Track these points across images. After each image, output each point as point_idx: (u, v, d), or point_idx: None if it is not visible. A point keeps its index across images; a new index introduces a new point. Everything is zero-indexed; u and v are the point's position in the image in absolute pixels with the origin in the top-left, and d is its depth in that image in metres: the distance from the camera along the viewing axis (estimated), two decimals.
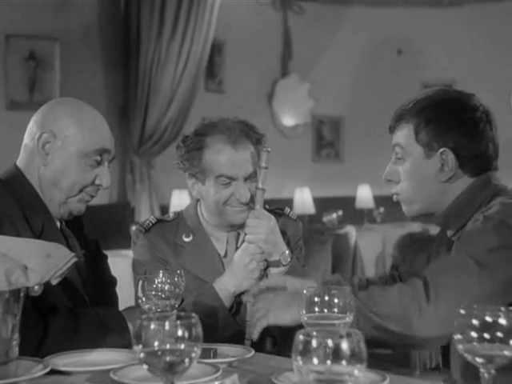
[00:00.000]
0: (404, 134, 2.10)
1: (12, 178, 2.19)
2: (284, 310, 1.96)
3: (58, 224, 2.24)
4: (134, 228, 2.62)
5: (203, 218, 2.55)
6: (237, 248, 2.48)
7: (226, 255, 2.52)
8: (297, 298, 1.85)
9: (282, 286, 2.14)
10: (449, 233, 2.12)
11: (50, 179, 2.18)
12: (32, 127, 2.22)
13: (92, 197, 2.25)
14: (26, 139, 2.24)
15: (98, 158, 2.20)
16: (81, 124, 2.19)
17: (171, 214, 2.60)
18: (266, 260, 2.38)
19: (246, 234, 2.39)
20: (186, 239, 2.52)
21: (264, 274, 2.39)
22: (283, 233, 2.47)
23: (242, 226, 2.46)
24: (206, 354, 1.80)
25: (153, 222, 2.55)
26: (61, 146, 2.17)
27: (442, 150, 2.04)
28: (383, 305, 1.84)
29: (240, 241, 2.51)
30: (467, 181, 2.06)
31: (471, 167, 2.06)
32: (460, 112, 2.08)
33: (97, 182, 2.21)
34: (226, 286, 2.35)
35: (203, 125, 2.49)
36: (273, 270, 2.37)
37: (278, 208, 2.63)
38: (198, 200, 2.56)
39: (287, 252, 2.38)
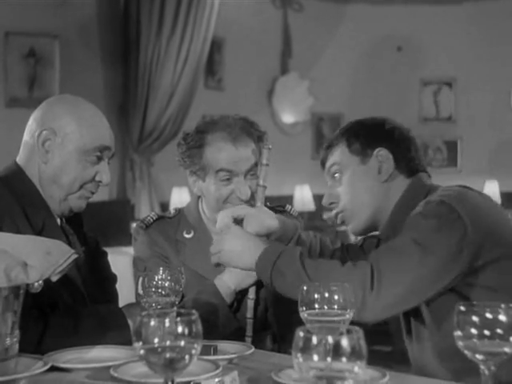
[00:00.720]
0: (337, 153, 2.14)
1: (12, 176, 2.19)
2: (236, 255, 2.02)
3: (59, 221, 2.24)
4: (134, 224, 2.62)
5: (204, 215, 2.54)
6: None
7: None
8: (253, 241, 1.98)
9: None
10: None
11: (50, 176, 2.18)
12: (31, 124, 2.22)
13: (92, 193, 2.25)
14: (26, 136, 2.24)
15: (98, 154, 2.20)
16: (80, 121, 2.19)
17: (172, 211, 2.60)
18: None
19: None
20: (186, 235, 2.52)
21: None
22: None
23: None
24: (206, 350, 1.80)
25: (154, 218, 2.55)
26: (61, 143, 2.17)
27: (377, 150, 2.08)
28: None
29: None
30: (404, 181, 2.10)
31: (406, 168, 2.10)
32: (382, 125, 2.14)
33: (97, 178, 2.22)
34: (226, 284, 2.35)
35: (204, 122, 2.48)
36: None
37: (279, 205, 2.62)
38: (199, 196, 2.56)
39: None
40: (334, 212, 2.16)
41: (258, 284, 2.38)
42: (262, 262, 1.94)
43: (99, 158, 2.21)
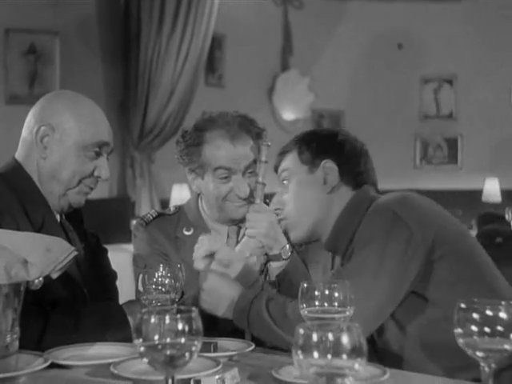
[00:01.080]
0: (288, 159, 2.18)
1: (11, 172, 2.19)
2: (214, 307, 2.06)
3: (58, 218, 2.24)
4: (134, 222, 2.62)
5: (204, 212, 2.54)
6: (237, 242, 2.48)
7: None
8: (233, 290, 2.01)
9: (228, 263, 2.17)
10: (340, 254, 2.15)
11: (48, 172, 2.18)
12: (30, 121, 2.22)
13: (91, 189, 2.24)
14: (25, 133, 2.23)
15: (97, 149, 2.20)
16: (79, 117, 2.19)
17: (172, 208, 2.60)
18: (266, 254, 2.38)
19: (246, 229, 2.39)
20: (186, 233, 2.51)
21: (264, 268, 2.39)
22: None
23: (242, 220, 2.46)
24: (206, 347, 1.81)
25: (153, 215, 2.55)
26: (59, 138, 2.17)
27: (324, 161, 2.11)
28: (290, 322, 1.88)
29: (241, 235, 2.50)
30: (348, 193, 2.12)
31: (352, 181, 2.13)
32: (335, 137, 2.17)
33: (96, 173, 2.21)
34: None
35: (202, 119, 2.48)
36: (273, 264, 2.37)
37: None
38: (199, 194, 2.56)
39: (287, 246, 2.37)
40: (277, 218, 2.19)
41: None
42: (237, 316, 2.00)
43: (98, 154, 2.21)
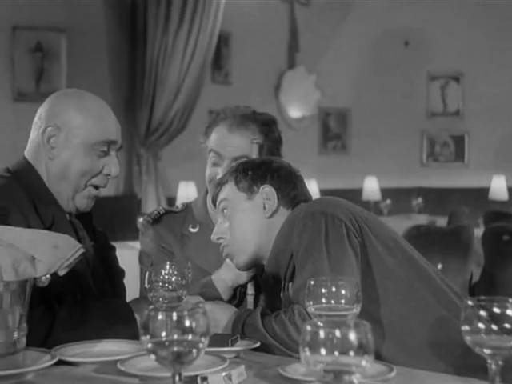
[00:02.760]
0: (226, 189, 2.18)
1: (22, 171, 2.19)
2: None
3: (68, 216, 2.24)
4: (141, 219, 2.62)
5: (211, 211, 2.54)
6: None
7: None
8: (225, 314, 2.02)
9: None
10: (282, 271, 2.13)
11: (57, 172, 2.17)
12: (37, 121, 2.21)
13: (100, 188, 2.24)
14: (32, 133, 2.23)
15: (105, 148, 2.19)
16: (86, 115, 2.18)
17: (180, 205, 2.61)
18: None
19: None
20: (192, 230, 2.52)
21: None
22: None
23: None
24: (224, 340, 1.82)
25: (161, 212, 2.55)
26: (66, 138, 2.16)
27: (262, 186, 2.13)
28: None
29: None
30: (285, 214, 2.14)
31: (290, 203, 2.15)
32: (270, 163, 2.20)
33: (105, 171, 2.20)
34: (223, 279, 2.33)
35: (225, 108, 2.55)
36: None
37: None
38: (207, 191, 2.56)
39: None
40: (221, 247, 2.19)
41: (257, 280, 2.38)
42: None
43: (106, 152, 2.20)
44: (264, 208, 2.13)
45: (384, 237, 2.02)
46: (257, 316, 1.97)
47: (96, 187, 2.22)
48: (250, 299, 2.38)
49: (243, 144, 2.43)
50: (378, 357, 1.92)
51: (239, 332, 1.97)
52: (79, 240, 2.17)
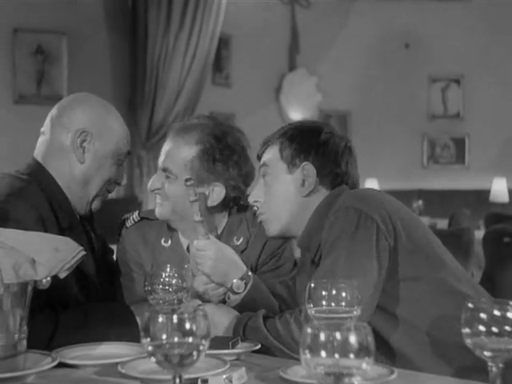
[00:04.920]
0: (270, 154, 2.16)
1: (36, 173, 2.18)
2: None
3: (78, 218, 2.26)
4: (119, 222, 2.50)
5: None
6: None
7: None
8: (225, 317, 2.03)
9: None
10: (312, 253, 2.13)
11: (83, 177, 2.19)
12: (56, 121, 2.20)
13: (111, 192, 2.30)
14: (49, 135, 2.21)
15: (126, 157, 2.26)
16: (120, 124, 2.25)
17: None
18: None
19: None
20: (164, 244, 2.41)
21: (226, 297, 2.27)
22: (263, 238, 2.35)
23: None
24: (224, 342, 1.82)
25: (135, 219, 2.45)
26: (99, 145, 2.19)
27: (303, 163, 2.10)
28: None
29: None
30: (324, 194, 2.12)
31: (330, 183, 2.12)
32: (319, 135, 2.14)
33: (117, 180, 2.26)
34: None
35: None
36: (232, 296, 2.24)
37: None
38: None
39: (237, 281, 2.21)
40: (256, 210, 2.19)
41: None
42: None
43: (123, 161, 2.26)
44: (302, 185, 2.10)
45: (417, 237, 1.99)
46: (259, 318, 1.97)
47: (108, 191, 2.29)
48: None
49: (169, 150, 2.35)
50: (386, 344, 1.93)
51: (240, 334, 1.96)
52: (90, 242, 2.20)
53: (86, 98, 2.30)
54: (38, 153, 2.23)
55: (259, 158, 2.22)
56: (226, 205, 2.39)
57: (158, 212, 2.35)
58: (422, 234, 2.02)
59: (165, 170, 2.32)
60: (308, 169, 2.10)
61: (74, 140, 2.17)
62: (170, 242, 2.41)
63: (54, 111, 2.23)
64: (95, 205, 2.26)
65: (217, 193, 2.32)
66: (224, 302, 2.26)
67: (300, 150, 2.12)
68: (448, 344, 1.89)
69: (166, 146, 2.35)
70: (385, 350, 1.96)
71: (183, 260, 2.36)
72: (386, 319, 1.96)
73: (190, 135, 2.32)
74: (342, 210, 1.96)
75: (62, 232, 2.08)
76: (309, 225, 2.11)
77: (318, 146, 2.12)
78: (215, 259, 2.20)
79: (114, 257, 2.50)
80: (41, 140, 2.24)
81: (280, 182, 2.14)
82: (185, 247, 2.41)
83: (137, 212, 2.47)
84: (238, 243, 2.38)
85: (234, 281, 2.21)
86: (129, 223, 2.44)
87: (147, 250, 2.40)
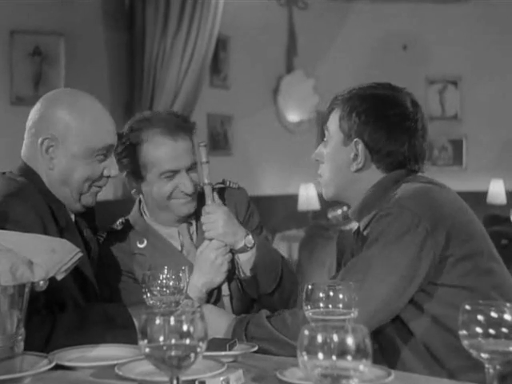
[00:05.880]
0: (332, 119, 2.15)
1: (27, 175, 2.18)
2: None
3: (73, 217, 2.25)
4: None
5: (149, 219, 2.50)
6: (191, 238, 2.46)
7: (182, 249, 2.47)
8: (224, 321, 2.05)
9: None
10: (361, 226, 2.14)
11: (59, 180, 2.18)
12: (31, 127, 2.19)
13: (101, 187, 2.27)
14: (27, 139, 2.21)
15: (105, 152, 2.20)
16: (82, 122, 2.17)
17: (118, 223, 2.53)
18: (231, 250, 2.35)
19: (200, 227, 2.39)
20: (140, 245, 2.45)
21: (233, 264, 2.37)
22: (232, 205, 2.46)
23: (189, 217, 2.44)
24: (221, 344, 1.82)
25: (103, 236, 2.47)
26: (65, 148, 2.16)
27: (355, 140, 2.07)
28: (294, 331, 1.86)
29: (191, 231, 2.48)
30: (378, 175, 2.09)
31: (384, 163, 2.08)
32: (384, 108, 2.10)
33: (105, 173, 2.23)
34: (195, 285, 2.30)
35: (137, 120, 2.44)
36: (241, 257, 2.35)
37: (218, 183, 2.56)
38: (140, 203, 2.52)
39: (250, 236, 2.35)
40: (318, 172, 2.20)
41: (230, 279, 2.37)
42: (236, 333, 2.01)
43: (105, 156, 2.21)
44: (354, 160, 2.08)
45: (468, 246, 1.94)
46: (262, 315, 1.97)
47: (98, 186, 2.26)
48: (226, 301, 2.37)
49: (189, 145, 2.41)
50: (404, 325, 1.94)
51: (242, 333, 1.96)
52: (84, 240, 2.20)
53: (49, 98, 2.25)
54: (23, 156, 2.23)
55: (326, 113, 2.21)
56: None
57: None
58: (474, 242, 1.97)
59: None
60: (360, 148, 2.07)
61: (40, 148, 2.16)
62: (145, 241, 2.45)
63: (29, 116, 2.22)
64: (86, 201, 2.23)
65: None
66: (233, 275, 2.36)
67: (356, 124, 2.08)
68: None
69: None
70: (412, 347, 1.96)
71: (167, 250, 2.42)
72: (408, 307, 1.94)
73: None
74: (397, 207, 1.93)
75: (60, 231, 2.09)
76: (363, 202, 2.09)
77: (376, 121, 2.07)
78: (225, 220, 2.32)
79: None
80: (23, 143, 2.24)
81: (335, 150, 2.12)
82: (176, 234, 2.48)
83: (100, 231, 2.49)
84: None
85: (249, 235, 2.34)
86: (100, 242, 2.44)
87: (129, 258, 2.43)
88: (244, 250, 2.34)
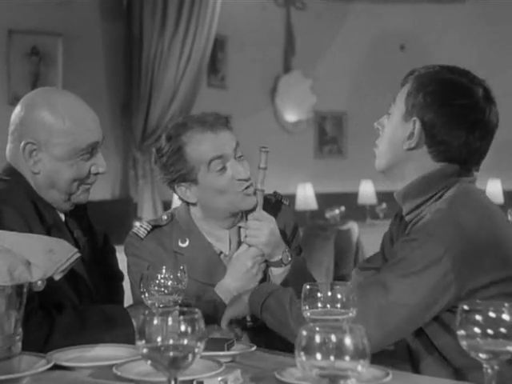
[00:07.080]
0: (401, 92, 2.13)
1: (13, 176, 2.17)
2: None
3: (63, 217, 2.23)
4: (127, 238, 2.45)
5: (197, 220, 2.44)
6: (240, 242, 2.41)
7: (221, 253, 2.42)
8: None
9: None
10: (404, 210, 2.10)
11: (46, 183, 2.15)
12: (13, 132, 2.17)
13: (91, 184, 2.24)
14: (11, 143, 2.19)
15: (89, 150, 2.17)
16: (62, 123, 2.13)
17: (164, 217, 2.46)
18: (266, 261, 2.33)
19: (245, 236, 2.33)
20: (182, 245, 2.40)
21: (266, 275, 2.35)
22: (281, 221, 2.43)
23: (249, 212, 2.38)
24: (220, 344, 1.82)
25: (148, 228, 2.41)
26: (48, 151, 2.13)
27: (414, 118, 2.03)
28: None
29: (242, 235, 2.41)
30: (428, 161, 2.04)
31: (436, 150, 2.03)
32: (452, 96, 2.07)
33: (93, 171, 2.19)
34: (228, 289, 2.28)
35: (172, 127, 2.40)
36: (274, 271, 2.32)
37: (270, 194, 2.52)
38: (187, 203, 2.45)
39: (287, 251, 2.33)
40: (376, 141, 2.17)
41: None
42: (254, 298, 2.04)
43: (91, 154, 2.19)
44: (408, 139, 2.04)
45: (499, 275, 1.86)
46: (287, 293, 1.97)
47: (87, 184, 2.22)
48: None
49: (230, 134, 2.36)
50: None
51: (260, 304, 1.98)
52: (75, 240, 2.18)
53: (27, 101, 2.21)
54: (8, 158, 2.21)
55: (401, 83, 2.19)
56: None
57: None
58: (506, 269, 1.89)
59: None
60: (417, 127, 2.02)
61: (23, 153, 2.13)
62: (187, 241, 2.40)
63: (11, 119, 2.20)
64: (77, 200, 2.21)
65: None
66: (263, 280, 2.34)
67: (420, 103, 2.05)
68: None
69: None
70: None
71: (206, 253, 2.39)
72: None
73: None
74: (425, 235, 1.88)
75: (48, 230, 2.08)
76: (408, 188, 2.06)
77: (440, 106, 2.04)
78: (271, 229, 2.29)
79: (117, 256, 2.48)
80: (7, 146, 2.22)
81: (395, 124, 2.09)
82: (226, 237, 2.44)
83: (145, 223, 2.45)
84: None
85: (287, 251, 2.33)
86: (142, 234, 2.39)
87: (168, 256, 2.37)
88: (279, 264, 2.32)
